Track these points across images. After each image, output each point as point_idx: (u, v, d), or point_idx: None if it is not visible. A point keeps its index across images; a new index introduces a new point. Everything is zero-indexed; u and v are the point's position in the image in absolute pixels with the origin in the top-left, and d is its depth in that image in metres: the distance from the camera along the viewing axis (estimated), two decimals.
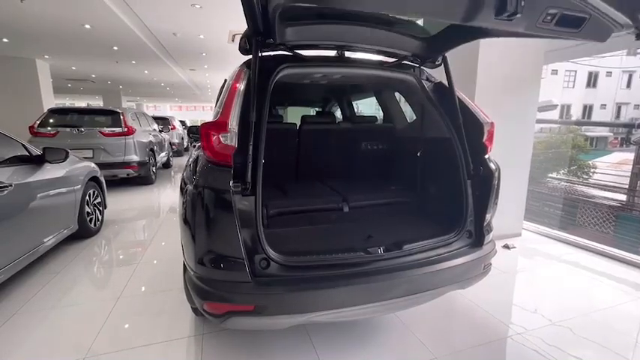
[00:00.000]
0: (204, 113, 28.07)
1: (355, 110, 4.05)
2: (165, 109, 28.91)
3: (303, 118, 2.74)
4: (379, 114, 3.29)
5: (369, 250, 1.68)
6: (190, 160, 2.00)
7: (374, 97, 3.24)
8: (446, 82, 1.98)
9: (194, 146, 2.45)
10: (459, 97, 1.95)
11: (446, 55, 1.96)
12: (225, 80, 2.03)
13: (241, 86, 1.66)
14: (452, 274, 1.70)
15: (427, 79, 2.14)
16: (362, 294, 1.54)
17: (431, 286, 1.66)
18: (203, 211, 1.48)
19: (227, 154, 1.51)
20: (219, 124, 1.53)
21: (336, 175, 2.90)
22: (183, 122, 14.55)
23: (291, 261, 1.57)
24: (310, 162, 2.85)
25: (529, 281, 2.71)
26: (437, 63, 2.07)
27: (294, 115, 5.86)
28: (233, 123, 1.55)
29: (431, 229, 1.94)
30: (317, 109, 4.78)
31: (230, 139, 1.53)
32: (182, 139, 12.12)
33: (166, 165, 8.62)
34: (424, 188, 2.39)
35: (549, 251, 3.35)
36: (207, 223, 1.48)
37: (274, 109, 4.59)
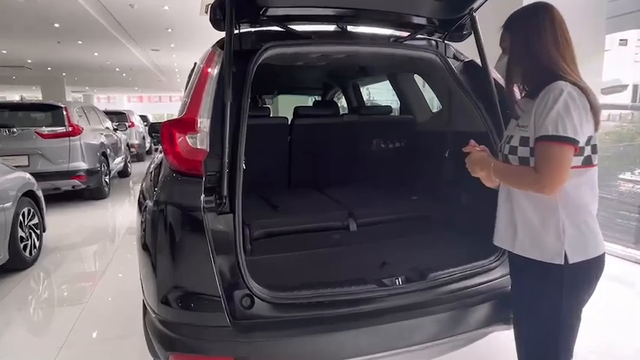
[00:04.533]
0: (171, 106, 28.28)
1: (364, 99, 4.07)
2: (121, 102, 29.18)
3: (297, 110, 2.76)
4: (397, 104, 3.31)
5: (383, 281, 1.67)
6: (151, 167, 2.00)
7: (389, 82, 3.27)
8: (479, 60, 1.99)
9: (157, 149, 2.47)
10: (495, 80, 1.96)
11: (475, 16, 1.94)
12: (195, 64, 2.04)
13: (214, 72, 1.67)
14: (494, 310, 1.68)
15: (454, 57, 2.14)
16: (376, 340, 1.53)
17: (467, 327, 1.64)
18: (166, 235, 1.48)
19: (196, 160, 1.52)
20: (185, 122, 1.53)
21: (340, 183, 2.90)
22: (144, 117, 14.65)
23: (283, 298, 1.56)
24: (306, 166, 2.85)
25: (605, 318, 2.67)
26: (464, 33, 2.08)
27: (286, 105, 5.90)
28: (204, 120, 1.55)
29: (465, 251, 1.93)
30: (315, 97, 4.82)
31: (200, 140, 1.54)
32: (143, 139, 12.22)
33: (123, 173, 8.69)
34: (454, 198, 2.38)
35: (625, 276, 3.33)
36: (172, 250, 1.48)
37: (259, 99, 4.62)
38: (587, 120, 1.19)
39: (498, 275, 1.79)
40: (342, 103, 4.54)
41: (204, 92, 1.60)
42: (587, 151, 1.22)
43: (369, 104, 3.58)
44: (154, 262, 1.51)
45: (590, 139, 1.22)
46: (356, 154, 2.91)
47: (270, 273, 1.79)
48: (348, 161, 2.92)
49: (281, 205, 2.44)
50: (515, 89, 1.40)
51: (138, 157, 11.44)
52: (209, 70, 1.68)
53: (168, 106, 29.48)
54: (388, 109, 3.03)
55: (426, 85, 2.70)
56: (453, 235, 2.24)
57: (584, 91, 1.19)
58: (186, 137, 1.53)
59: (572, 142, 1.15)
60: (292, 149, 2.76)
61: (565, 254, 1.23)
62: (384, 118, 2.94)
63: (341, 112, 3.04)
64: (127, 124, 10.05)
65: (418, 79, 2.98)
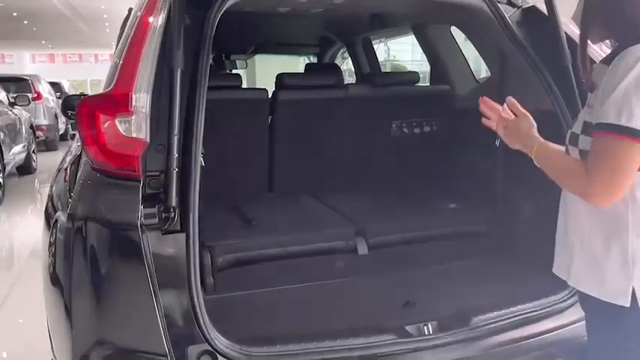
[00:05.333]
0: (98, 68, 28.08)
1: (379, 61, 4.09)
2: (22, 62, 28.98)
3: (281, 79, 2.77)
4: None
5: (407, 329, 1.69)
6: (66, 162, 2.01)
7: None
8: (544, 7, 2.01)
9: (75, 135, 2.48)
10: (569, 36, 1.98)
11: None
12: (130, 11, 2.05)
13: (157, 23, 1.68)
14: None
15: (509, 2, 2.18)
16: None
17: None
18: (86, 265, 1.49)
19: (130, 154, 1.53)
20: (114, 99, 1.54)
21: (344, 186, 2.92)
22: (57, 86, 14.60)
23: (260, 356, 1.58)
24: (295, 161, 2.87)
25: None
26: None
27: (267, 71, 5.84)
28: (141, 95, 1.56)
29: (525, 284, 1.95)
30: (309, 58, 4.82)
31: (136, 126, 1.55)
32: (55, 117, 12.16)
33: (25, 169, 8.70)
34: (511, 206, 2.41)
35: None
36: (95, 287, 1.49)
37: (227, 62, 4.61)
38: None
39: (574, 319, 1.81)
40: (349, 65, 4.56)
41: (142, 54, 1.61)
42: None
43: (388, 69, 3.59)
44: (68, 304, 1.51)
45: None
46: (367, 143, 2.93)
47: (241, 319, 1.81)
48: (356, 154, 2.94)
49: (258, 218, 2.45)
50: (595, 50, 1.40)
51: (48, 145, 11.39)
52: (150, 20, 1.68)
53: (92, 69, 29.20)
54: (414, 76, 3.05)
55: (468, 42, 2.71)
56: (508, 262, 2.26)
57: None
58: (116, 121, 1.53)
59: (638, 135, 1.13)
60: (274, 136, 2.77)
61: (634, 293, 1.23)
62: (408, 90, 2.96)
63: (346, 82, 3.05)
64: (30, 95, 10.00)
65: (457, 32, 2.98)
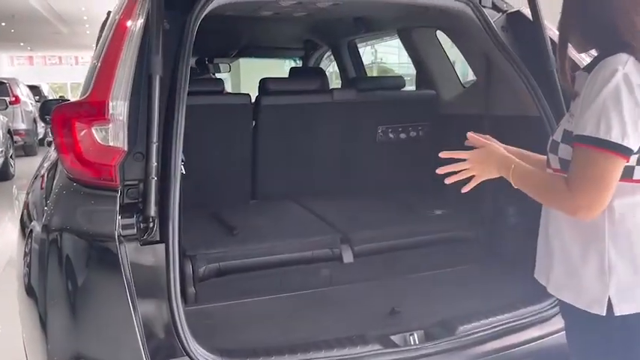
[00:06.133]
0: (78, 70, 27.84)
1: (364, 64, 4.10)
2: (0, 66, 28.68)
3: (265, 83, 2.77)
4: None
5: (392, 338, 1.70)
6: (43, 169, 1.98)
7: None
8: (529, 12, 2.03)
9: (50, 143, 2.46)
10: (553, 40, 1.98)
11: None
12: (109, 14, 2.04)
13: (136, 27, 1.66)
14: None
15: (494, 6, 2.18)
16: None
17: None
18: (62, 277, 1.48)
19: (107, 164, 1.52)
20: (90, 106, 1.53)
21: (329, 193, 2.92)
22: (36, 89, 14.48)
23: None
24: (279, 168, 2.86)
25: None
26: None
27: (253, 74, 5.83)
28: (119, 103, 1.55)
29: (511, 291, 1.96)
30: (295, 62, 4.82)
31: (113, 134, 1.54)
32: (34, 122, 12.06)
33: (2, 174, 8.62)
34: (497, 212, 2.43)
35: None
36: (71, 299, 1.48)
37: (210, 66, 4.60)
38: None
39: (560, 327, 1.80)
40: (336, 68, 4.56)
41: (119, 60, 1.59)
42: None
43: (376, 71, 3.61)
44: (43, 317, 1.49)
45: None
46: (352, 148, 2.93)
47: (223, 330, 1.80)
48: (341, 159, 2.94)
49: (241, 226, 2.44)
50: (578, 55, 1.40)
51: (26, 150, 11.31)
52: (128, 24, 1.67)
53: (72, 71, 28.95)
54: (400, 81, 3.06)
55: (454, 46, 2.73)
56: (495, 268, 2.27)
57: None
58: (92, 129, 1.52)
59: (618, 149, 1.13)
60: (258, 142, 2.76)
61: (609, 302, 1.23)
62: (393, 95, 2.97)
63: (333, 85, 3.05)
64: (7, 99, 9.95)
65: (444, 37, 3.00)
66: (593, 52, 1.33)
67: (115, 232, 1.47)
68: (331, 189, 2.93)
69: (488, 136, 1.47)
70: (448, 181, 1.43)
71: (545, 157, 1.39)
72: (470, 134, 1.46)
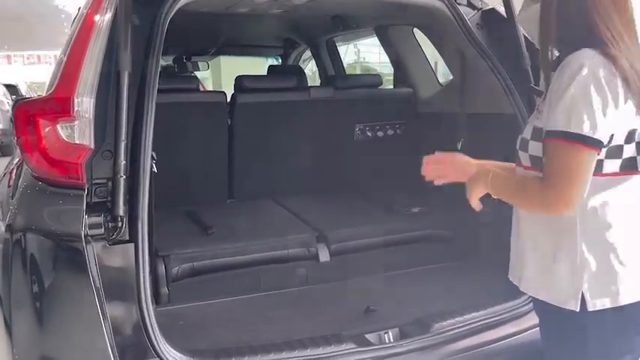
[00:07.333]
0: None
1: (348, 62, 4.10)
2: None
3: (240, 81, 2.77)
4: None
5: (366, 337, 1.70)
6: (12, 164, 1.97)
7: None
8: (503, 10, 2.06)
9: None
10: (527, 38, 2.00)
11: None
12: (79, 10, 2.00)
13: (103, 22, 1.65)
14: None
15: (469, 4, 2.20)
16: None
17: None
18: (26, 278, 1.47)
19: (74, 162, 1.50)
20: (55, 103, 1.52)
21: (306, 191, 2.93)
22: (13, 88, 14.28)
23: None
24: (255, 166, 2.85)
25: None
26: None
27: (233, 72, 5.80)
28: (84, 100, 1.53)
29: (486, 289, 1.97)
30: (277, 60, 4.81)
31: (79, 131, 1.52)
32: (11, 121, 11.90)
33: None
34: (473, 211, 2.42)
35: None
36: (36, 302, 1.46)
37: (187, 64, 4.56)
38: (618, 108, 1.16)
39: (532, 324, 1.82)
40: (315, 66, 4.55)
41: (85, 56, 1.57)
42: (629, 151, 1.22)
43: (358, 70, 3.62)
44: (8, 319, 1.50)
45: (632, 134, 1.21)
46: (330, 146, 2.93)
47: (196, 330, 1.79)
48: (319, 158, 2.94)
49: (216, 225, 2.43)
50: None
51: (3, 150, 11.10)
52: (95, 18, 1.65)
53: (51, 70, 28.83)
54: (377, 79, 3.07)
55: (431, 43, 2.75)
56: (471, 266, 2.29)
57: (616, 62, 1.16)
58: (57, 127, 1.50)
59: (589, 142, 1.14)
60: (234, 140, 2.76)
61: (583, 297, 1.24)
62: (371, 93, 2.98)
63: (306, 85, 3.04)
64: None
65: (423, 37, 3.01)
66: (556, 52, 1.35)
67: (81, 232, 1.45)
68: (308, 187, 2.94)
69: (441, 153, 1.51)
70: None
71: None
72: (425, 159, 1.49)
